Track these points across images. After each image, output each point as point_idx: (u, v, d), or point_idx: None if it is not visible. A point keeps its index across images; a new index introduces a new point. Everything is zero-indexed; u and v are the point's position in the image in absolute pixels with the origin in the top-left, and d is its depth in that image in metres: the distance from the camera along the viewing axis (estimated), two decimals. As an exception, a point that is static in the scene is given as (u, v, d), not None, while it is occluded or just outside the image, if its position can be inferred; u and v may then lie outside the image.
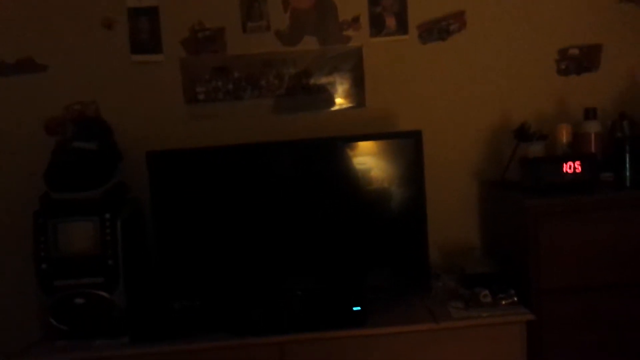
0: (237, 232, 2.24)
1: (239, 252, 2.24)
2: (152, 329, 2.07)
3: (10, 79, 2.47)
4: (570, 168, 2.15)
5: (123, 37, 2.49)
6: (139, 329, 2.07)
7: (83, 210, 2.11)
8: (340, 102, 2.56)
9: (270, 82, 2.54)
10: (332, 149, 2.29)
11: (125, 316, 2.09)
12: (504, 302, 2.11)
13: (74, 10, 2.47)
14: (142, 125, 2.49)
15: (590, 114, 2.35)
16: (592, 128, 2.33)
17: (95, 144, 2.22)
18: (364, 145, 2.28)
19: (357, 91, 2.55)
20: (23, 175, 2.43)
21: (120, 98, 2.50)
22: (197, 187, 2.24)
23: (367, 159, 2.28)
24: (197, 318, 2.11)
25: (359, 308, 2.09)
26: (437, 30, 2.54)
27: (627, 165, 2.17)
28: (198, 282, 2.23)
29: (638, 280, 2.13)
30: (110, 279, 2.09)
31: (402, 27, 2.54)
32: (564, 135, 2.36)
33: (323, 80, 2.55)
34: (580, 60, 2.55)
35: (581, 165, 2.15)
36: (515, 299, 2.12)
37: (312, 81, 2.55)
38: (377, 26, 2.54)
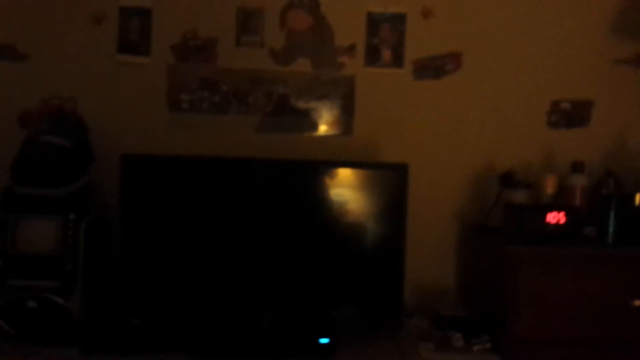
0: (205, 249, 2.14)
1: (206, 270, 2.14)
2: (105, 343, 1.94)
3: (-12, 63, 2.36)
4: (554, 218, 2.13)
5: (111, 34, 2.40)
6: (92, 342, 1.93)
7: (47, 208, 1.98)
8: (327, 128, 2.51)
9: (258, 100, 2.47)
10: (313, 172, 2.21)
11: (78, 326, 1.95)
12: (476, 348, 2.06)
13: (64, 1, 2.38)
14: (120, 128, 2.39)
15: (577, 167, 2.35)
16: (579, 181, 2.33)
17: (68, 141, 2.11)
18: (346, 174, 2.22)
19: (346, 119, 2.50)
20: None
21: (100, 97, 2.40)
22: (169, 197, 2.14)
23: (349, 187, 2.22)
24: (156, 336, 1.98)
25: (327, 340, 2.00)
26: (433, 68, 2.52)
27: (611, 222, 2.15)
28: (160, 298, 2.10)
29: (613, 338, 2.10)
30: (67, 284, 1.95)
31: (398, 60, 2.51)
32: (550, 185, 2.34)
33: (312, 103, 2.49)
34: (571, 115, 2.56)
35: (565, 216, 2.12)
36: (489, 345, 2.06)
37: (301, 103, 2.49)
38: (373, 57, 2.51)
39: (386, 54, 2.51)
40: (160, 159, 2.18)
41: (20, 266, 1.95)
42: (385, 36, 2.51)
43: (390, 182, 2.20)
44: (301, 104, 2.49)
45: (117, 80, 2.41)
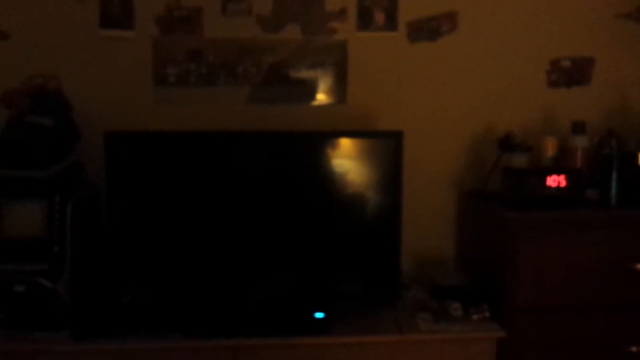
0: (197, 226, 2.11)
1: (197, 247, 2.10)
2: (95, 324, 1.92)
3: (-33, 45, 2.30)
4: (554, 182, 2.07)
5: (93, 9, 2.33)
6: (81, 323, 1.92)
7: (31, 190, 1.95)
8: (320, 97, 2.43)
9: (247, 70, 2.40)
10: (307, 144, 2.16)
11: (67, 308, 1.93)
12: (475, 317, 2.03)
13: (43, -23, 2.31)
14: (106, 105, 2.33)
15: (578, 128, 2.27)
16: (580, 143, 2.25)
17: (51, 120, 2.06)
18: (341, 143, 2.17)
19: (339, 87, 2.43)
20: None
21: (84, 74, 2.34)
22: (159, 174, 2.10)
23: (344, 157, 2.17)
24: (147, 315, 1.96)
25: (321, 315, 1.97)
26: (427, 29, 2.43)
27: (614, 183, 2.10)
28: (151, 277, 2.07)
29: (616, 303, 2.06)
30: (54, 266, 1.92)
31: (391, 23, 2.42)
32: (550, 148, 2.28)
33: (304, 72, 2.42)
34: (572, 73, 2.47)
35: (566, 179, 2.07)
36: (488, 314, 2.03)
37: (291, 72, 2.41)
38: (365, 20, 2.42)
39: (379, 16, 2.42)
40: (145, 135, 2.13)
41: (7, 250, 1.92)
42: (377, -3, 2.41)
43: (386, 150, 2.15)
44: (292, 73, 2.42)
45: (101, 56, 2.35)
